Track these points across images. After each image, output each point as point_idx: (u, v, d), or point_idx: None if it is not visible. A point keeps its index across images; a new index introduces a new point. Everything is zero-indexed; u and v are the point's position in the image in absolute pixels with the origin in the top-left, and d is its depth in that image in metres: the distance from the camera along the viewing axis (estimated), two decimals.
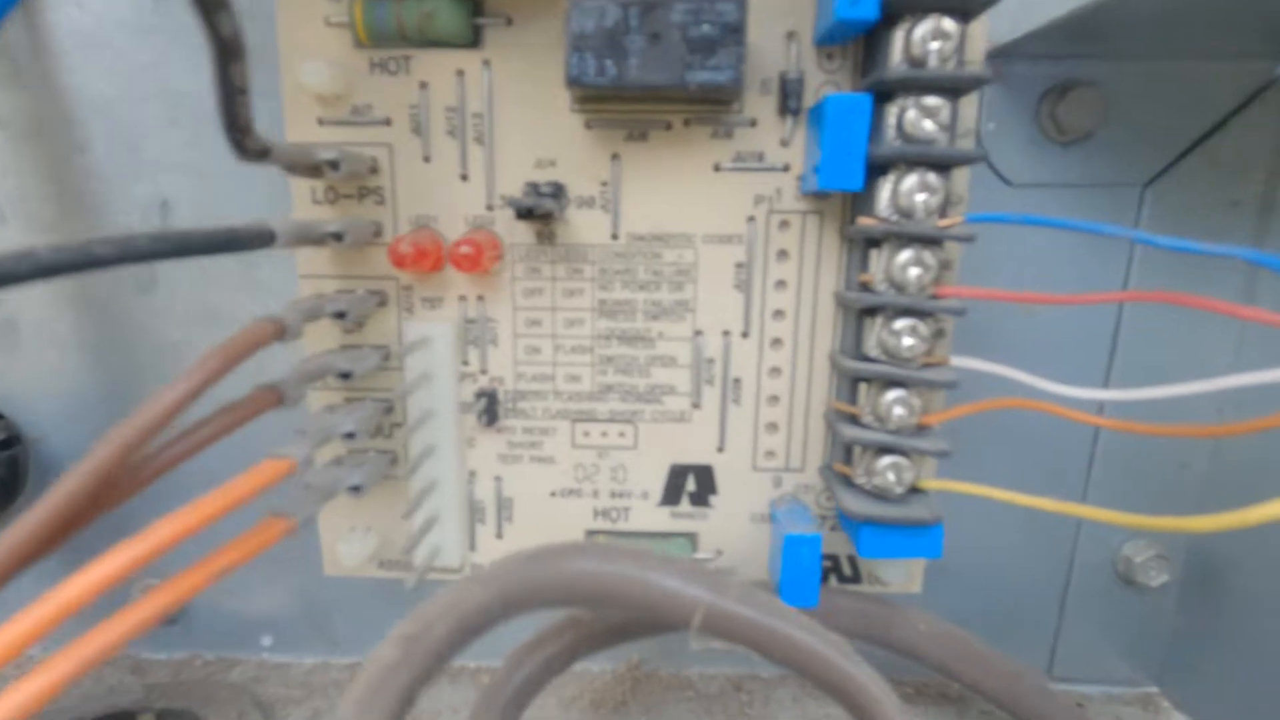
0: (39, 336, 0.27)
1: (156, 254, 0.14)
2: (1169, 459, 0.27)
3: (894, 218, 0.19)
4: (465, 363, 0.23)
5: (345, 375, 0.21)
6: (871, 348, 0.20)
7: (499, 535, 0.25)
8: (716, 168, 0.22)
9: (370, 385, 0.24)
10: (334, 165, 0.19)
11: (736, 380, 0.23)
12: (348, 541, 0.24)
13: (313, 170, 0.20)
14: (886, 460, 0.21)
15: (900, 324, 0.20)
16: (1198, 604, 0.28)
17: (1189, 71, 0.24)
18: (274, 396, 0.18)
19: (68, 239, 0.12)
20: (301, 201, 0.22)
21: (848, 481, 0.22)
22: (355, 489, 0.21)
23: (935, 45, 0.18)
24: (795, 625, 0.17)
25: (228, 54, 0.13)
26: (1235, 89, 0.24)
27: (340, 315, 0.20)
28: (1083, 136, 0.24)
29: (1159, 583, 0.27)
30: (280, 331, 0.17)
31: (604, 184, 0.22)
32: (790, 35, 0.21)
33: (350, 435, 0.21)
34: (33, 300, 0.27)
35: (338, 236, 0.20)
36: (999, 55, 0.24)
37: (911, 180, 0.19)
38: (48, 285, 0.28)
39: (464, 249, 0.21)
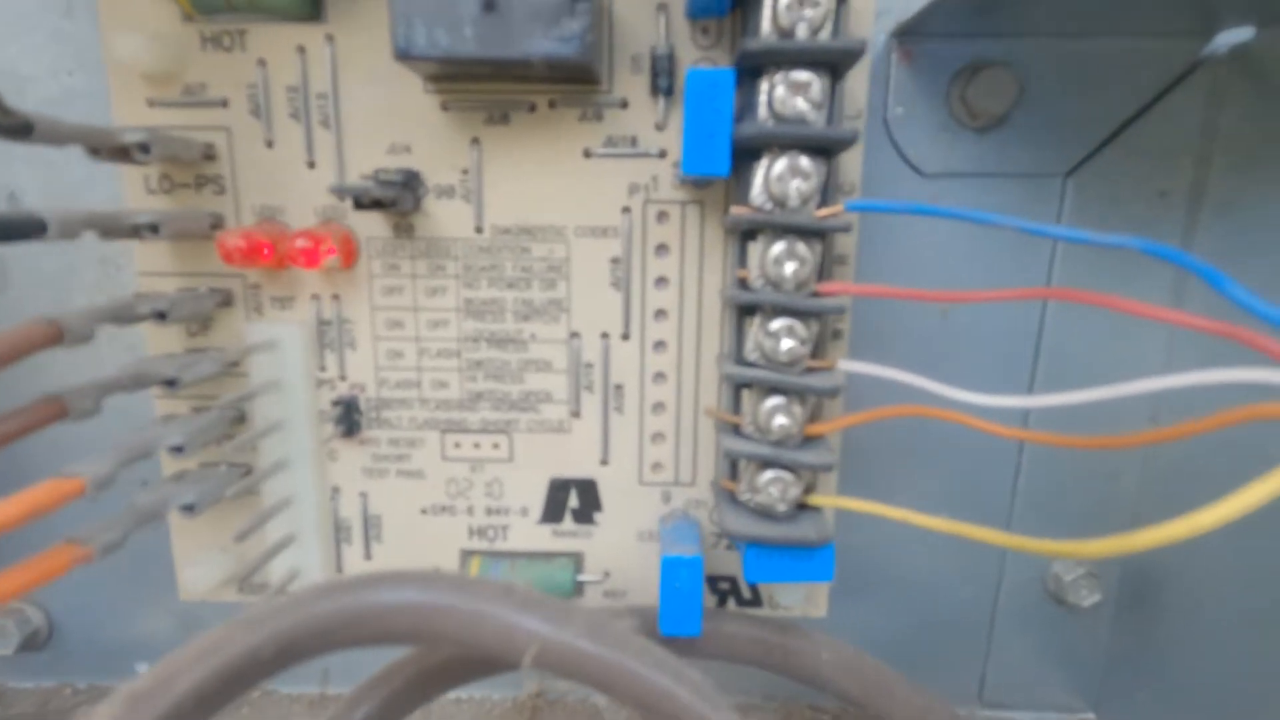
0: None
1: None
2: (1099, 470, 0.25)
3: (767, 206, 0.18)
4: (322, 369, 0.21)
5: (170, 383, 0.19)
6: (750, 351, 0.19)
7: (367, 556, 0.23)
8: (587, 154, 0.20)
9: (220, 393, 0.22)
10: (144, 148, 0.17)
11: (618, 386, 0.21)
12: (197, 565, 0.22)
13: (122, 154, 0.18)
14: (769, 475, 0.19)
15: (777, 324, 0.18)
16: (1132, 624, 0.26)
17: (1109, 51, 0.22)
18: (57, 408, 0.16)
19: None
20: (134, 191, 0.20)
21: (732, 498, 0.20)
22: (188, 508, 0.19)
23: (807, 13, 0.16)
24: (645, 663, 0.15)
25: None
26: (1160, 70, 0.22)
27: (160, 315, 0.18)
28: (997, 122, 0.23)
29: (1091, 602, 0.25)
30: (57, 335, 0.15)
31: (464, 172, 0.20)
32: (660, 7, 0.19)
33: (178, 449, 0.19)
34: None
35: (153, 228, 0.18)
36: (906, 34, 0.22)
37: (783, 165, 0.17)
38: None
39: (300, 242, 0.19)
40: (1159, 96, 0.22)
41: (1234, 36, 0.22)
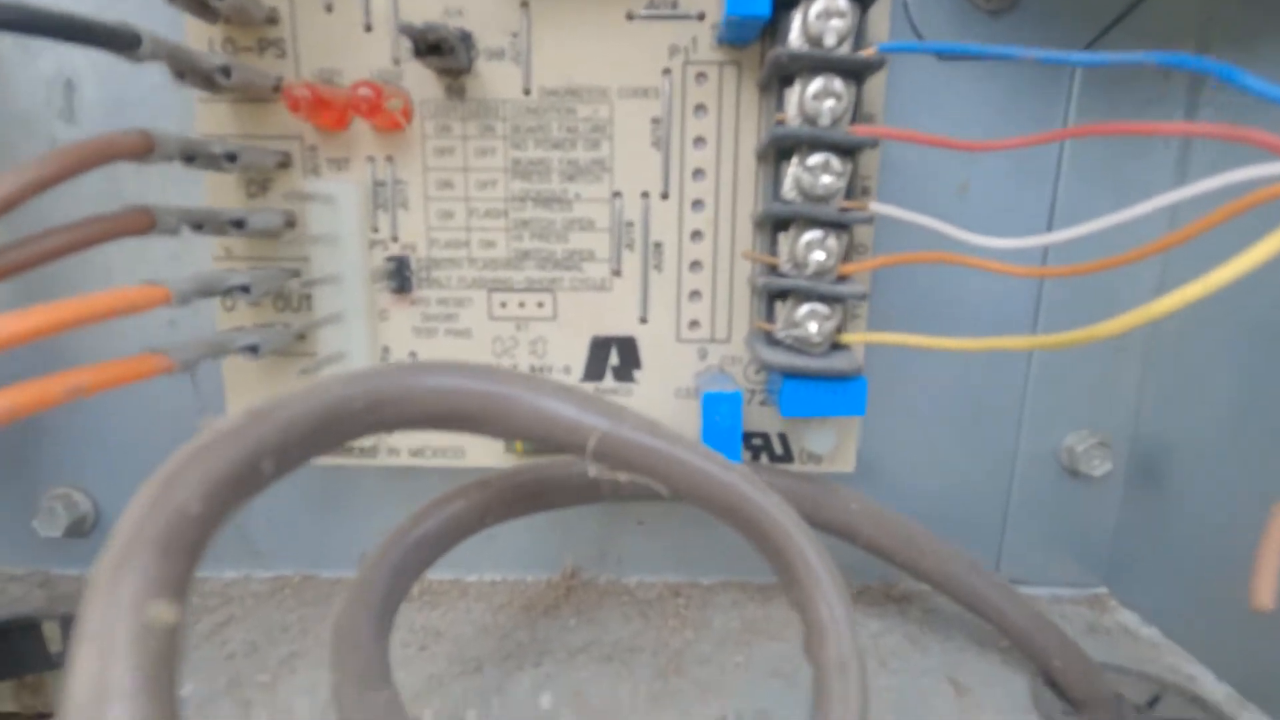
0: None
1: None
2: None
3: (805, 48, 0.19)
4: (375, 229, 0.22)
5: (238, 224, 0.20)
6: (788, 190, 0.20)
7: None
8: (629, 16, 0.21)
9: (277, 255, 0.23)
10: None
11: (657, 245, 0.23)
12: None
13: (198, 5, 0.19)
14: (806, 309, 0.20)
15: (815, 160, 0.19)
16: (1141, 495, 0.27)
17: None
18: (145, 219, 0.17)
19: None
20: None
21: (769, 337, 0.21)
22: (252, 349, 0.20)
23: None
24: (695, 452, 0.17)
25: None
26: None
27: (231, 158, 0.19)
28: (1009, 5, 0.24)
29: (1102, 472, 0.27)
30: (148, 145, 0.17)
31: (514, 35, 0.21)
32: None
33: (244, 289, 0.20)
34: None
35: (225, 71, 0.19)
36: None
37: (820, 4, 0.18)
38: None
39: (363, 90, 0.20)
40: None
41: None
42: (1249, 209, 0.16)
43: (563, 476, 0.21)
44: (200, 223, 0.19)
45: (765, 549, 0.17)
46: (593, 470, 0.16)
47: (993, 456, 0.28)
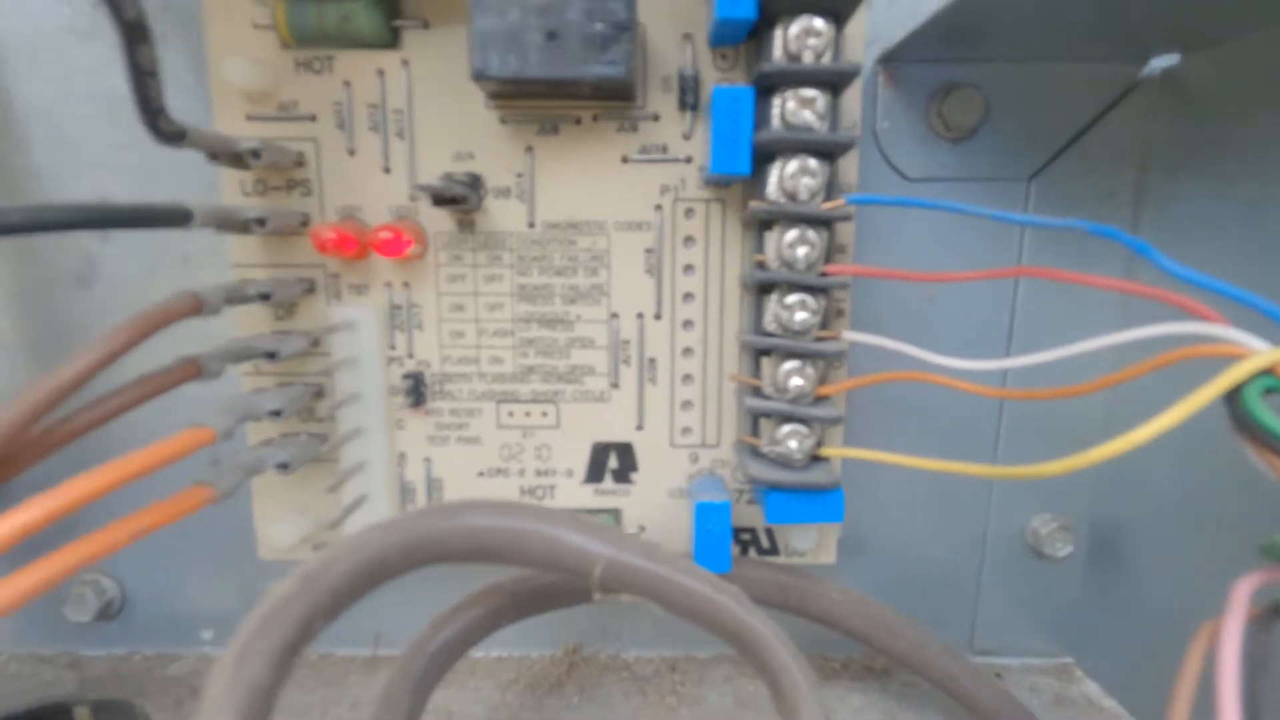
0: None
1: (68, 223, 0.15)
2: (1067, 428, 0.28)
3: (781, 200, 0.21)
4: (392, 347, 0.24)
5: (270, 355, 0.22)
6: (769, 323, 0.22)
7: None
8: (624, 159, 0.23)
9: (302, 371, 0.25)
10: (255, 154, 0.21)
11: (651, 360, 0.25)
12: (279, 524, 0.25)
13: (236, 159, 0.21)
14: (787, 429, 0.22)
15: (792, 299, 0.21)
16: (1102, 574, 0.29)
17: (1062, 74, 0.26)
18: (193, 369, 0.19)
19: None
20: (230, 193, 0.23)
21: (754, 451, 0.23)
22: (283, 466, 0.22)
23: (811, 42, 0.20)
24: (691, 575, 0.18)
25: (133, 37, 0.14)
26: (1104, 90, 0.26)
27: (265, 297, 0.21)
28: (969, 134, 0.26)
29: (1064, 554, 0.29)
30: (197, 306, 0.18)
31: (519, 175, 0.23)
32: (686, 37, 0.23)
33: (276, 413, 0.22)
34: None
35: (260, 222, 0.21)
36: (890, 60, 0.26)
37: (794, 165, 0.21)
38: None
39: (383, 234, 0.22)
40: (1105, 112, 0.26)
41: (1163, 61, 0.26)
42: (1172, 364, 0.18)
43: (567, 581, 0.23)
44: (240, 357, 0.21)
45: (753, 662, 0.19)
46: (597, 596, 0.18)
47: (965, 539, 0.30)
